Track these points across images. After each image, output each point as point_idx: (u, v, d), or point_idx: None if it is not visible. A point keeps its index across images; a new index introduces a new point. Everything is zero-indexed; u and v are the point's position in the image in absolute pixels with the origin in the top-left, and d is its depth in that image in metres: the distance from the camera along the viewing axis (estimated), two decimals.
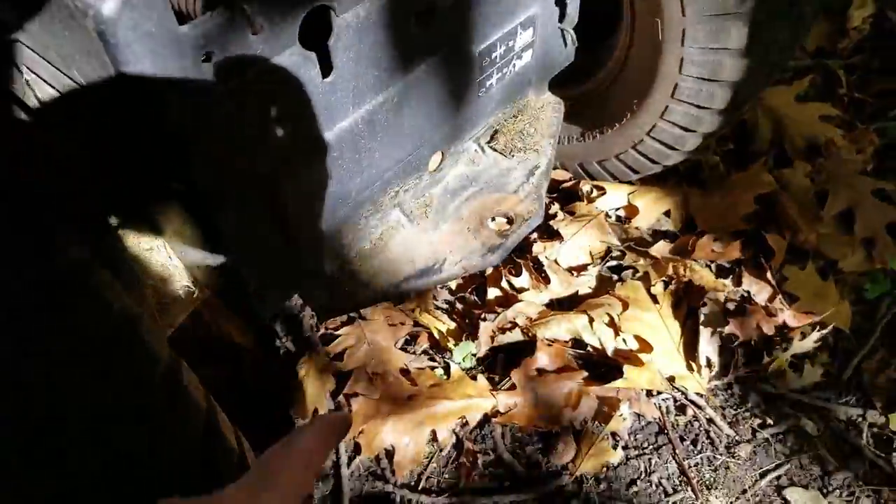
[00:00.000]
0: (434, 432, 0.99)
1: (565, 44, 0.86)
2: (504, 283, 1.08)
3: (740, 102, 0.96)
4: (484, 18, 0.71)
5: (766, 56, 0.93)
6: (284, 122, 0.61)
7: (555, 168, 1.19)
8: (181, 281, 0.73)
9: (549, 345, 1.03)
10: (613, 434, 0.98)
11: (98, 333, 0.40)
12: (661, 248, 1.09)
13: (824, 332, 1.02)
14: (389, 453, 0.98)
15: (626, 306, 1.05)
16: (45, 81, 0.56)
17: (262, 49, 0.55)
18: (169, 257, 0.70)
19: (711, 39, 0.87)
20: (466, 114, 0.79)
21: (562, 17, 0.83)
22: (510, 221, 0.81)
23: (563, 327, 1.03)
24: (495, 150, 0.84)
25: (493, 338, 1.04)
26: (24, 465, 0.35)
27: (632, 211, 1.14)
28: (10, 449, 0.34)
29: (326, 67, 0.62)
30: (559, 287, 1.07)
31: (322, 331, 1.10)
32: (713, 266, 1.10)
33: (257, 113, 0.57)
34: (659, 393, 1.01)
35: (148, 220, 0.64)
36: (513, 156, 0.84)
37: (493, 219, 0.81)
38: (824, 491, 0.94)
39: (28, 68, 0.56)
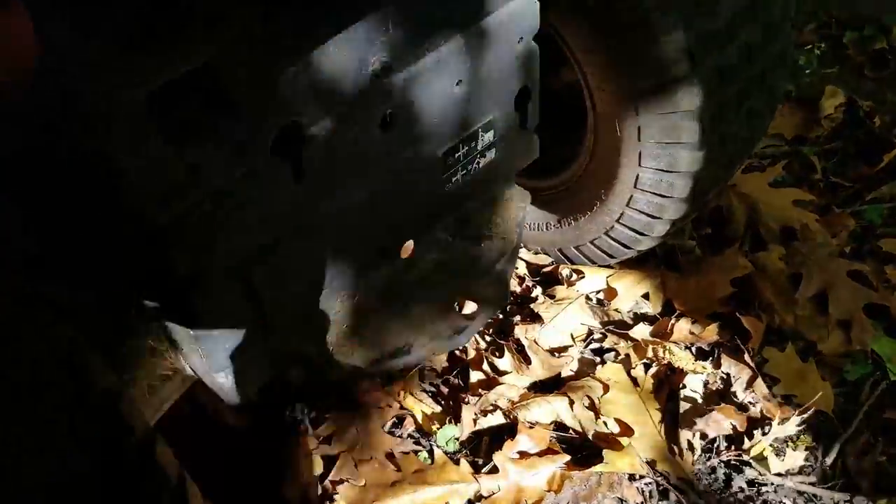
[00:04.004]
0: None
1: (528, 143, 0.93)
2: (486, 366, 1.11)
3: (702, 191, 1.02)
4: (443, 124, 0.79)
5: (723, 148, 1.00)
6: (260, 222, 0.68)
7: (536, 253, 1.24)
8: (172, 362, 0.79)
9: (531, 427, 1.04)
10: None
11: (77, 406, 0.47)
12: (640, 331, 1.12)
13: (805, 415, 1.02)
14: None
15: (606, 389, 1.06)
16: None
17: (241, 159, 0.63)
18: (160, 339, 0.77)
19: (665, 135, 0.94)
20: (435, 206, 0.86)
21: (523, 123, 0.91)
22: (477, 304, 0.86)
23: (545, 410, 1.05)
24: (464, 237, 0.90)
25: (475, 421, 1.07)
26: None
27: (611, 294, 1.18)
28: None
29: (299, 172, 0.70)
30: (540, 369, 1.10)
31: (313, 414, 1.13)
32: (693, 348, 1.12)
33: (236, 216, 0.65)
34: (641, 477, 1.01)
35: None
36: (481, 243, 0.90)
37: (461, 302, 0.86)
38: None
39: None
